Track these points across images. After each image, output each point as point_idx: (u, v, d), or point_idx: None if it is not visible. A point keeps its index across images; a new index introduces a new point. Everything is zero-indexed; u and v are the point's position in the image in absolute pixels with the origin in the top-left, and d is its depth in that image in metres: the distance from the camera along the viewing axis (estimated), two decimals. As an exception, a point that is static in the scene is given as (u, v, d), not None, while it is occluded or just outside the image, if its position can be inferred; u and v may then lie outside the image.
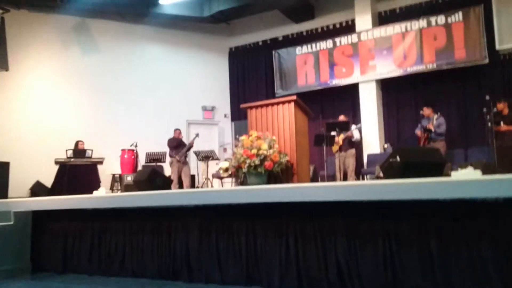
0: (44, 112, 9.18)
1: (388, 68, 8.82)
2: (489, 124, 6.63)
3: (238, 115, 10.57)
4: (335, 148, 7.68)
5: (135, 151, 8.78)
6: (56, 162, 7.90)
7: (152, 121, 9.99)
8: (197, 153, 8.72)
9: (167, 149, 8.68)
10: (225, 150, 10.62)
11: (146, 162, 8.71)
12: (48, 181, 7.82)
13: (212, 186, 8.78)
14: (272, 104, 4.36)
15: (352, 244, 2.89)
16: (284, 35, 10.55)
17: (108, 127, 9.52)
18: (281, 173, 3.92)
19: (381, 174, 5.26)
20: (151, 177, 4.30)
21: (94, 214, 4.08)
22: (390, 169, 3.16)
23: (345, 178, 7.67)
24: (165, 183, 4.54)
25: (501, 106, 6.89)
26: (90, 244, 4.11)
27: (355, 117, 9.26)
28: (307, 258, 3.05)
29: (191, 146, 8.51)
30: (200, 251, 3.52)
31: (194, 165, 8.73)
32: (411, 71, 8.60)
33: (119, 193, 5.89)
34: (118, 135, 9.34)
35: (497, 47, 7.89)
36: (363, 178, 8.26)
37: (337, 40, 9.43)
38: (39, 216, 4.34)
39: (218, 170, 8.39)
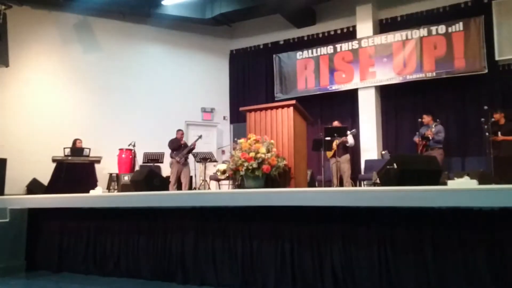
0: (42, 109, 9.17)
1: (387, 75, 8.85)
2: (487, 134, 6.66)
3: (237, 118, 10.58)
4: (329, 153, 7.69)
5: (133, 151, 8.76)
6: (54, 160, 7.88)
7: (151, 121, 9.98)
8: (195, 155, 8.72)
9: (165, 150, 8.67)
10: (223, 152, 10.62)
11: (143, 162, 8.70)
12: (45, 179, 7.80)
13: (209, 188, 8.78)
14: (272, 108, 4.37)
15: (347, 250, 2.90)
16: (285, 39, 10.57)
17: (106, 126, 9.51)
18: (279, 177, 3.93)
19: (378, 181, 5.28)
20: (149, 177, 4.31)
21: (90, 213, 4.08)
22: (387, 176, 3.18)
23: (341, 183, 7.68)
24: (162, 183, 4.55)
25: (498, 116, 6.93)
26: (85, 243, 4.11)
27: (354, 122, 9.28)
28: (303, 262, 3.05)
29: (193, 148, 8.52)
30: (195, 253, 3.52)
31: (192, 167, 8.71)
32: (411, 79, 8.63)
33: (116, 193, 5.89)
34: (116, 134, 9.32)
35: (497, 57, 7.93)
36: (360, 184, 8.27)
37: (338, 46, 9.47)
38: (35, 214, 4.33)
39: (215, 172, 8.38)
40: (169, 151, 8.47)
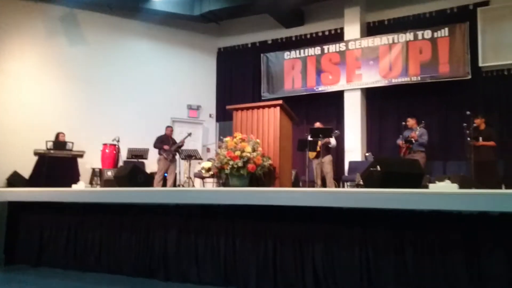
0: (25, 101, 8.98)
1: (373, 78, 8.95)
2: (468, 138, 6.80)
3: (223, 116, 10.56)
4: (312, 155, 7.74)
5: (116, 146, 8.67)
6: (35, 153, 7.74)
7: (136, 116, 9.89)
8: (180, 152, 8.69)
9: (150, 146, 8.61)
10: (208, 150, 10.60)
11: (127, 158, 8.62)
12: (26, 172, 7.65)
13: (193, 185, 8.75)
14: (258, 107, 4.38)
15: (329, 250, 2.93)
16: (273, 39, 10.59)
17: (90, 120, 9.38)
18: (263, 176, 3.94)
19: (361, 182, 5.34)
20: (132, 173, 4.27)
21: (72, 208, 4.03)
22: (371, 178, 3.22)
23: (323, 184, 7.74)
24: (146, 180, 4.51)
25: (479, 121, 7.08)
26: (66, 238, 4.06)
27: (339, 124, 9.35)
28: (284, 261, 3.07)
29: (181, 145, 8.47)
30: (178, 250, 3.52)
31: (177, 164, 8.67)
32: (396, 82, 8.74)
33: (98, 188, 5.83)
34: (100, 129, 9.21)
35: (480, 64, 8.09)
36: (343, 185, 8.35)
37: (325, 47, 9.52)
38: (15, 207, 4.26)
39: (200, 170, 8.36)
40: (153, 147, 8.43)
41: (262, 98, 9.98)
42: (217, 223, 3.37)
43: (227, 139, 4.04)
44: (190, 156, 8.63)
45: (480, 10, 8.19)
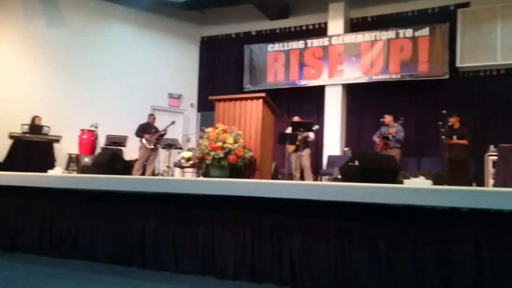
0: (0, 82, 8.74)
1: (355, 74, 9.07)
2: (443, 137, 7.00)
3: (205, 106, 10.51)
4: (291, 148, 7.81)
5: (94, 132, 8.54)
6: (11, 137, 7.56)
7: (115, 103, 9.74)
8: (160, 141, 8.62)
9: (129, 133, 8.51)
10: (188, 140, 10.55)
11: (105, 145, 8.50)
12: (0, 155, 7.48)
13: (173, 174, 8.72)
14: (241, 99, 4.39)
15: (306, 242, 2.99)
16: (258, 31, 10.57)
17: (68, 105, 9.18)
18: (244, 168, 3.97)
19: (339, 176, 5.44)
20: (112, 160, 4.24)
21: (47, 194, 3.97)
22: (349, 172, 3.29)
23: (302, 176, 7.84)
24: (125, 167, 4.49)
25: (453, 120, 7.30)
26: (41, 223, 4.01)
27: (319, 118, 9.46)
28: (262, 252, 3.12)
29: (164, 133, 8.40)
30: (156, 238, 3.52)
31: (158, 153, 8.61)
32: (376, 79, 8.88)
33: (77, 174, 5.75)
34: (78, 114, 9.04)
35: (458, 64, 8.30)
36: (321, 178, 8.48)
37: (309, 41, 9.58)
38: (-12, 191, 4.16)
39: (180, 159, 8.34)
40: (133, 134, 8.33)
41: (244, 90, 9.98)
42: (196, 212, 3.39)
43: (209, 129, 4.05)
44: (170, 145, 8.58)
45: (460, 11, 8.38)
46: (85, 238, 3.81)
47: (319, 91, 9.49)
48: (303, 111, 9.16)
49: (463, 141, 7.15)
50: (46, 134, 7.89)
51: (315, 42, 9.49)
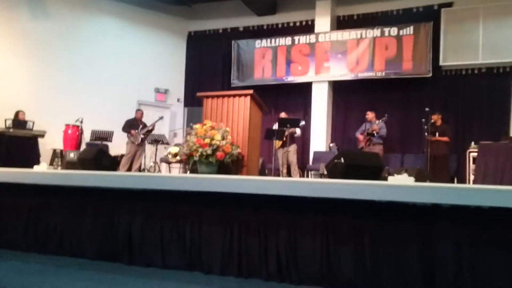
0: (-18, 76, 8.58)
1: (341, 71, 9.16)
2: (426, 134, 7.15)
3: (192, 101, 10.49)
4: (278, 144, 7.88)
5: (80, 128, 8.45)
6: (-7, 131, 7.45)
7: (101, 97, 9.64)
8: (147, 136, 8.58)
9: (114, 128, 8.45)
10: (175, 135, 10.52)
11: (91, 140, 8.43)
12: (-18, 151, 7.37)
13: (160, 170, 8.70)
14: (229, 96, 4.41)
15: (292, 237, 3.04)
16: (245, 26, 10.58)
17: (52, 99, 9.05)
18: (232, 164, 4.00)
19: (325, 172, 5.53)
20: (98, 156, 4.22)
21: (33, 190, 3.93)
22: (335, 169, 3.36)
23: (288, 172, 7.92)
24: (112, 163, 4.48)
25: (435, 117, 7.46)
26: (26, 220, 3.97)
27: (306, 114, 9.54)
28: (249, 248, 3.16)
29: (152, 129, 8.36)
30: (143, 234, 3.53)
31: (145, 148, 8.57)
32: (362, 77, 9.00)
33: (62, 170, 5.68)
34: (63, 109, 8.92)
35: (441, 63, 8.46)
36: (308, 174, 8.57)
37: (296, 38, 9.63)
38: (-29, 187, 4.10)
39: (166, 155, 8.32)
40: (119, 130, 8.28)
41: (232, 85, 10.00)
42: (184, 208, 3.41)
43: (197, 126, 4.06)
44: (157, 141, 8.55)
45: (444, 11, 8.53)
46: (72, 235, 3.79)
47: (306, 87, 9.57)
48: (290, 107, 9.23)
49: (445, 138, 7.31)
50: (30, 129, 7.77)
51: (302, 39, 9.55)
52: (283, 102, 9.82)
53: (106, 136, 8.47)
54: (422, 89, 8.76)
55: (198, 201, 3.35)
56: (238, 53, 10.22)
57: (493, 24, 8.12)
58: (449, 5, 8.63)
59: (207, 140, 3.82)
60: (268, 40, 9.90)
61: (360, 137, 7.99)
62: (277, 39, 9.80)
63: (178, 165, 8.37)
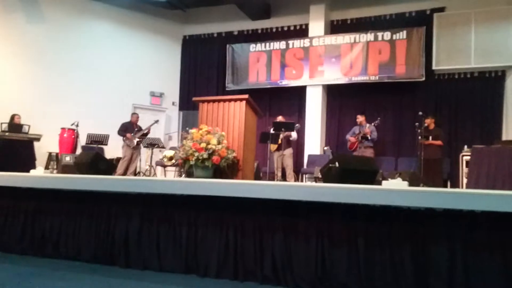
0: (-23, 79, 8.56)
1: (335, 75, 9.23)
2: (419, 137, 7.23)
3: (187, 105, 10.51)
4: (273, 147, 7.93)
5: (75, 131, 8.44)
6: (-11, 135, 7.43)
7: (96, 101, 9.63)
8: (142, 140, 8.58)
9: (110, 131, 8.45)
10: (170, 138, 10.53)
11: (86, 143, 8.42)
12: (-23, 154, 7.34)
13: (155, 174, 8.70)
14: (224, 100, 4.45)
15: (287, 241, 3.08)
16: (240, 31, 10.62)
17: (48, 103, 9.03)
18: (227, 168, 4.04)
19: (320, 175, 5.58)
20: (95, 160, 4.23)
21: (29, 193, 3.95)
22: (329, 173, 3.40)
23: (283, 175, 7.96)
24: (108, 167, 4.49)
25: (428, 121, 7.54)
26: (23, 223, 3.98)
27: (300, 118, 9.59)
28: (245, 251, 3.19)
29: (147, 132, 8.36)
30: (139, 238, 3.55)
31: (141, 151, 8.56)
32: (356, 81, 9.07)
33: (60, 175, 5.67)
34: (58, 112, 8.91)
35: (434, 67, 8.55)
36: (302, 177, 8.61)
37: (290, 42, 9.68)
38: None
39: (162, 158, 8.33)
40: (115, 133, 8.28)
41: (227, 89, 10.04)
42: (180, 212, 3.43)
43: (193, 130, 4.10)
44: (153, 144, 8.55)
45: (436, 15, 8.64)
46: (68, 238, 3.81)
47: (300, 91, 9.62)
48: (284, 111, 9.28)
49: (438, 142, 7.39)
50: (26, 133, 7.76)
51: (296, 43, 9.61)
52: (278, 105, 9.88)
53: (101, 140, 8.46)
54: (415, 93, 8.85)
55: (194, 204, 3.38)
56: (233, 57, 10.26)
57: (485, 28, 8.23)
58: (441, 9, 8.73)
59: (203, 145, 3.85)
60: (263, 44, 9.95)
61: (352, 139, 8.07)
62: (272, 43, 9.86)
63: (173, 168, 8.38)
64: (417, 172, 6.86)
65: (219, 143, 3.92)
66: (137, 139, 8.18)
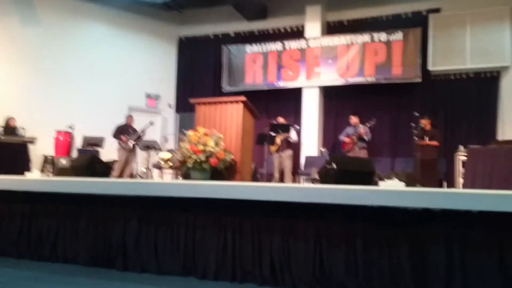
0: (-29, 82, 8.51)
1: (331, 77, 9.25)
2: (416, 138, 7.25)
3: (183, 107, 10.49)
4: (273, 148, 7.94)
5: (71, 134, 8.41)
6: (-16, 138, 7.39)
7: (91, 103, 9.60)
8: (138, 142, 8.55)
9: (106, 134, 8.42)
10: (166, 140, 10.50)
11: (82, 146, 8.39)
12: (-28, 157, 7.29)
13: (152, 176, 8.67)
14: (221, 103, 4.45)
15: (286, 242, 3.08)
16: (236, 32, 10.61)
17: (43, 105, 8.99)
18: (225, 170, 4.03)
19: (317, 176, 5.59)
20: (92, 163, 4.22)
21: (25, 196, 3.93)
22: (327, 174, 3.40)
23: (281, 177, 7.96)
24: (105, 170, 4.47)
25: (424, 122, 7.57)
26: (19, 227, 3.96)
27: (297, 119, 9.60)
28: (243, 253, 3.19)
29: (142, 134, 8.33)
30: (137, 240, 3.54)
31: (136, 154, 8.53)
32: (352, 82, 9.09)
33: (56, 178, 5.64)
34: (53, 115, 8.87)
35: (430, 68, 8.60)
36: (299, 179, 8.62)
37: (287, 43, 9.69)
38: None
39: (159, 161, 8.31)
40: (111, 136, 8.25)
41: (223, 91, 10.03)
42: (178, 214, 3.43)
43: (191, 133, 4.09)
44: (149, 147, 8.52)
45: (432, 16, 8.68)
46: (65, 241, 3.79)
47: (297, 92, 9.63)
48: (281, 112, 9.29)
49: (434, 142, 7.42)
50: (21, 136, 7.72)
51: (293, 44, 9.62)
52: (275, 107, 9.88)
53: (97, 142, 8.44)
54: (411, 93, 8.88)
55: (192, 207, 3.37)
56: (229, 58, 10.25)
57: (480, 29, 8.28)
58: (437, 10, 8.78)
59: (201, 147, 3.85)
60: (259, 45, 9.96)
61: (347, 140, 8.07)
62: (268, 45, 9.86)
63: (169, 170, 8.36)
64: (413, 172, 6.89)
65: (216, 145, 3.91)
66: (132, 142, 8.15)
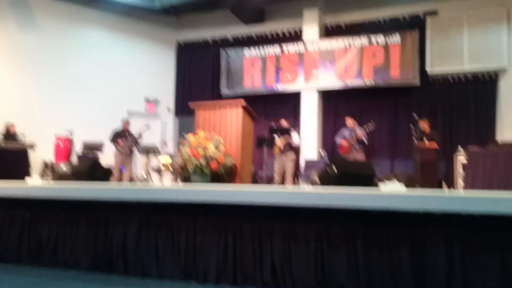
0: (-30, 88, 8.52)
1: (329, 79, 9.27)
2: (415, 140, 7.27)
3: (182, 111, 10.50)
4: (276, 150, 7.93)
5: (70, 139, 8.40)
6: (-16, 144, 7.38)
7: (90, 108, 9.61)
8: (137, 146, 8.54)
9: (105, 139, 8.42)
10: (165, 143, 10.49)
11: (82, 151, 8.38)
12: (-29, 163, 7.28)
13: (151, 180, 8.66)
14: (221, 106, 4.46)
15: (286, 246, 3.08)
16: (234, 36, 10.64)
17: (42, 111, 9.00)
18: (225, 174, 4.04)
19: (317, 180, 5.59)
20: (92, 168, 4.22)
21: (25, 202, 3.92)
22: (327, 177, 3.41)
23: (282, 179, 7.95)
24: (105, 175, 4.48)
25: (423, 123, 7.59)
26: (19, 232, 3.95)
27: (296, 122, 9.61)
28: (244, 256, 3.18)
29: (139, 138, 8.32)
30: (138, 245, 3.53)
31: (135, 158, 8.52)
32: (351, 85, 9.11)
33: (57, 183, 5.64)
34: (53, 120, 8.88)
35: (428, 70, 8.62)
36: (299, 182, 8.61)
37: (285, 47, 9.72)
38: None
39: (158, 165, 8.31)
40: (109, 140, 8.25)
41: (222, 95, 10.05)
42: (178, 218, 3.43)
43: (191, 136, 4.09)
44: (149, 151, 8.50)
45: (429, 19, 8.72)
46: (66, 246, 3.78)
47: (295, 95, 9.65)
48: (279, 115, 9.28)
49: (433, 144, 7.43)
50: (21, 142, 7.72)
51: (291, 48, 9.64)
52: (273, 109, 9.89)
53: (96, 147, 8.43)
54: (410, 96, 8.90)
55: (192, 210, 3.37)
56: (228, 62, 10.27)
57: (478, 31, 8.31)
58: (434, 13, 8.81)
59: (201, 151, 3.85)
60: (257, 49, 9.98)
61: (344, 142, 8.06)
62: (266, 48, 9.89)
63: (169, 174, 8.35)
64: (413, 174, 6.90)
65: (216, 149, 3.92)
66: (129, 145, 8.14)
